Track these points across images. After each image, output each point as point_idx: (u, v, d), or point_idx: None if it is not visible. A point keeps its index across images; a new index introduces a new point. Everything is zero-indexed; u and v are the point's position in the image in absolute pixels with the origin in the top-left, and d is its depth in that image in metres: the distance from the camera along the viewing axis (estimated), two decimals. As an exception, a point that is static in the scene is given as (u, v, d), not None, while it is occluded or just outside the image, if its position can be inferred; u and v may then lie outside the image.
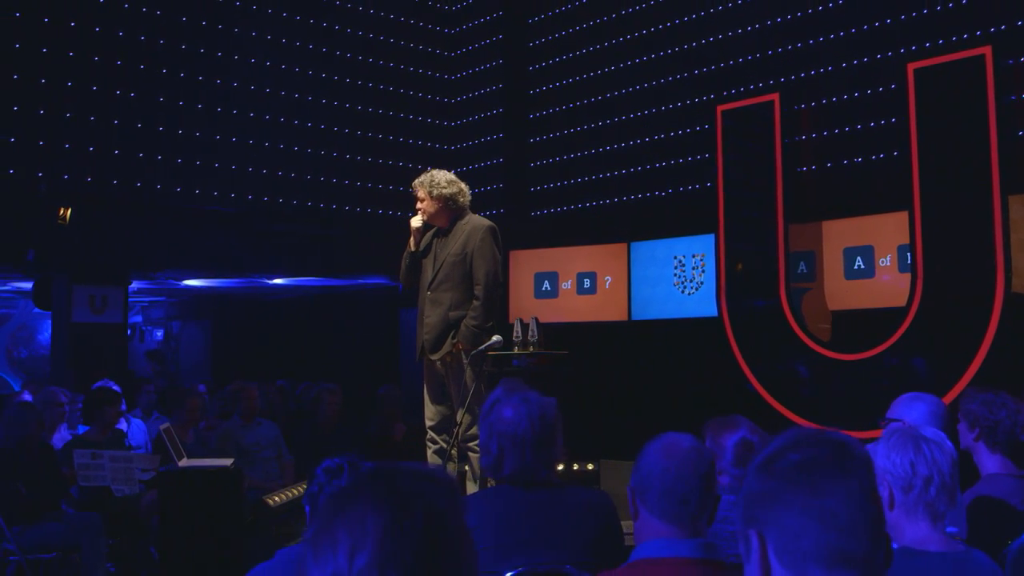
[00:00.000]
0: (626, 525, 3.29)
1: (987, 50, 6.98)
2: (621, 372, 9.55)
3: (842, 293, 8.41)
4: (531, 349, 5.38)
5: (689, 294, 9.47)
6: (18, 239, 8.50)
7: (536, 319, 5.61)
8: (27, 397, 7.41)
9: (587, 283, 10.18)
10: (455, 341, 5.30)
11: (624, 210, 10.18)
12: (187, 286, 11.91)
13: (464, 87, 11.77)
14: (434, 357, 5.39)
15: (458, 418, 5.30)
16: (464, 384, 5.27)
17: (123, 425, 7.33)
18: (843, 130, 8.41)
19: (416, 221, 5.57)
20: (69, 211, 8.29)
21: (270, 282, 11.67)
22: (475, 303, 5.40)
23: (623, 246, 9.95)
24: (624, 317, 9.92)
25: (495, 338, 4.97)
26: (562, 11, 10.82)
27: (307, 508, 2.52)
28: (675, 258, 9.56)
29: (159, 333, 14.92)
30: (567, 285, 10.29)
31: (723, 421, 3.38)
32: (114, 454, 6.20)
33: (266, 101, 9.99)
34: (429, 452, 5.56)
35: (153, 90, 9.24)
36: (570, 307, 10.17)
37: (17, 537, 5.56)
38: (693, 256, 9.42)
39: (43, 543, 5.67)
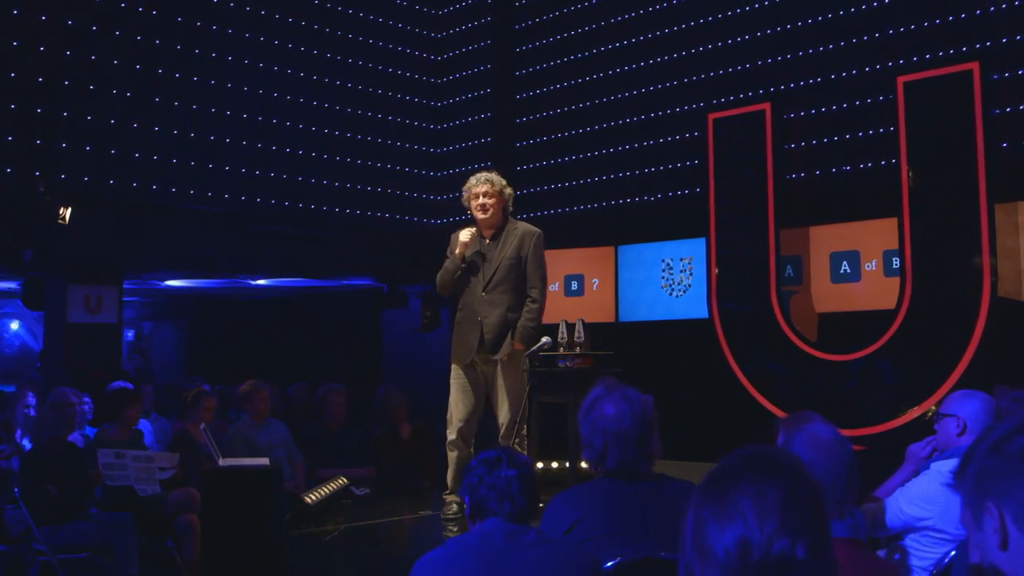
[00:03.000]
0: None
1: (974, 66, 7.30)
2: (609, 372, 9.76)
3: (828, 296, 8.69)
4: (578, 350, 5.57)
5: (676, 297, 9.71)
6: (14, 239, 8.44)
7: (582, 320, 5.80)
8: (31, 399, 7.39)
9: (575, 285, 10.38)
10: (513, 341, 5.48)
11: (612, 214, 10.39)
12: (167, 286, 11.85)
13: (452, 91, 11.90)
14: (495, 357, 5.52)
15: (501, 419, 5.50)
16: (515, 384, 5.45)
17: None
18: (832, 139, 8.71)
19: (466, 235, 5.64)
20: (69, 210, 8.25)
21: (253, 283, 11.67)
22: (532, 305, 5.59)
23: (610, 249, 10.17)
24: (611, 319, 10.13)
25: (545, 339, 5.16)
26: (550, 17, 11.01)
27: (466, 499, 2.65)
28: (663, 261, 9.79)
29: (130, 333, 14.78)
30: (554, 287, 10.45)
31: (797, 416, 3.56)
32: (136, 454, 6.25)
33: (259, 102, 10.03)
34: (453, 454, 5.66)
35: (149, 90, 9.23)
36: (558, 308, 10.33)
37: (48, 537, 5.59)
38: (681, 260, 9.66)
39: (74, 543, 5.70)
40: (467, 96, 11.75)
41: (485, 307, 5.58)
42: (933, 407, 7.40)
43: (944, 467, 3.63)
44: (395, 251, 11.25)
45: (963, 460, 1.70)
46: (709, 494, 1.48)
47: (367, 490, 6.97)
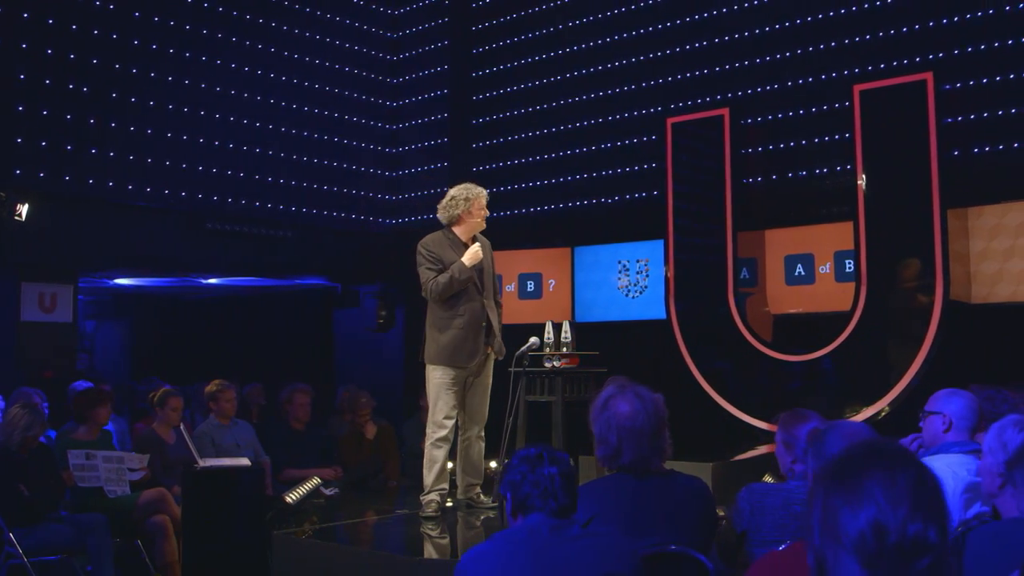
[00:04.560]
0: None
1: (928, 76, 7.57)
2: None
3: (783, 298, 8.89)
4: (564, 350, 5.67)
5: (633, 297, 9.85)
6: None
7: (569, 321, 5.91)
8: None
9: (531, 286, 10.45)
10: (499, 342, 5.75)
11: (568, 215, 10.48)
12: (115, 284, 11.65)
13: (408, 91, 11.90)
14: (500, 357, 5.76)
15: (482, 414, 5.66)
16: (491, 382, 5.71)
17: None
18: (788, 145, 8.91)
19: (479, 250, 5.84)
20: (25, 207, 8.10)
21: (204, 281, 11.54)
22: (499, 309, 5.94)
23: (567, 250, 10.27)
24: (568, 319, 10.21)
25: (533, 339, 5.28)
26: (508, 19, 11.08)
27: (508, 495, 2.70)
28: (619, 263, 9.92)
29: (71, 333, 14.45)
30: (510, 287, 10.52)
31: (794, 414, 3.71)
32: (107, 454, 6.18)
33: (217, 100, 9.93)
34: (440, 451, 5.74)
35: (106, 86, 9.08)
36: (514, 309, 10.39)
37: (22, 539, 5.49)
38: (637, 261, 9.81)
39: (47, 545, 5.62)
40: (424, 96, 11.76)
41: (488, 312, 5.81)
42: (885, 407, 7.66)
43: (933, 462, 3.78)
44: (349, 251, 11.24)
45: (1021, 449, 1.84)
46: (837, 484, 1.57)
47: (336, 490, 6.97)
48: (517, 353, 5.24)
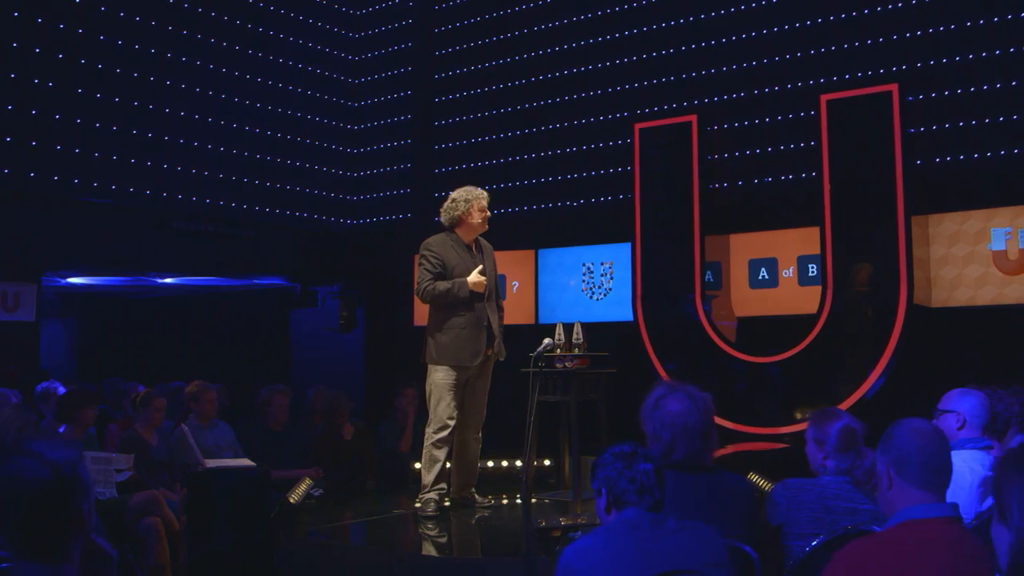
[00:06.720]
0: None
1: (894, 87, 7.85)
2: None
3: (747, 301, 9.11)
4: (576, 351, 5.77)
5: (597, 300, 9.99)
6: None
7: (580, 322, 6.00)
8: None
9: (495, 287, 10.51)
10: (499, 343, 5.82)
11: (532, 218, 10.57)
12: (67, 283, 11.37)
13: (371, 92, 11.87)
14: (501, 358, 5.79)
15: (482, 414, 5.75)
16: (489, 382, 5.92)
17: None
18: (754, 152, 9.14)
19: (481, 277, 5.92)
20: (-8, 204, 7.92)
21: (159, 281, 11.36)
22: (501, 313, 6.06)
23: (531, 252, 10.37)
24: (531, 321, 10.32)
25: (547, 341, 5.36)
26: (472, 22, 11.14)
27: (603, 491, 2.77)
28: (584, 265, 10.04)
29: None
30: (474, 289, 10.56)
31: (825, 412, 3.84)
32: (95, 455, 6.09)
33: (181, 98, 9.83)
34: (441, 451, 5.79)
35: (71, 82, 8.92)
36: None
37: (15, 542, 5.37)
38: (602, 264, 9.94)
39: (41, 548, 5.49)
40: (386, 98, 11.75)
41: (491, 314, 5.93)
42: (852, 406, 7.89)
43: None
44: (310, 251, 11.19)
45: None
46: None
47: (321, 491, 6.96)
48: (533, 354, 5.32)
